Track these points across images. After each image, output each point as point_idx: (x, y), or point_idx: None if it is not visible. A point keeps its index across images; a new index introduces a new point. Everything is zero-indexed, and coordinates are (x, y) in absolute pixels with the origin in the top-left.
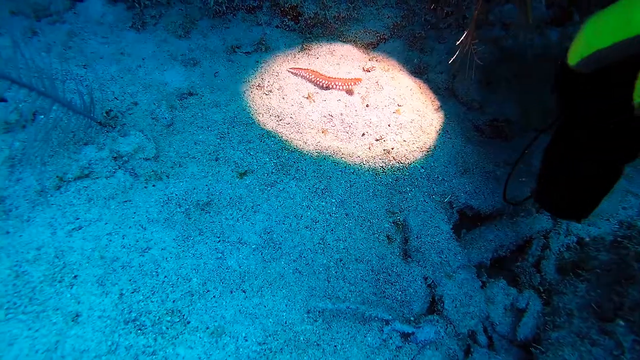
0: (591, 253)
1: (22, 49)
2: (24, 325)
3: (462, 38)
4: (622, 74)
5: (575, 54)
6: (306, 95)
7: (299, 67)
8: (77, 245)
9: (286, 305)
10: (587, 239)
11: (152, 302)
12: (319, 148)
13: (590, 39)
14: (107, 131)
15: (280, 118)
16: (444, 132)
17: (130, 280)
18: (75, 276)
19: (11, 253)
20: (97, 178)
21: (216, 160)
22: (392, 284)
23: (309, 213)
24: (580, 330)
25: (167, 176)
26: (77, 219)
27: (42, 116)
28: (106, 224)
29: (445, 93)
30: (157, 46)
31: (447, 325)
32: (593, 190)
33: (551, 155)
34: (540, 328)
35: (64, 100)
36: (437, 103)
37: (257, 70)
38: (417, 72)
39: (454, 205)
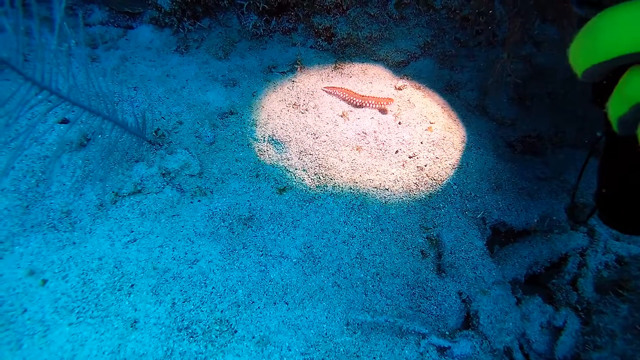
0: (633, 272)
1: (92, 78)
2: (92, 329)
3: (501, 60)
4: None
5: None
6: (341, 114)
7: (333, 86)
8: (133, 257)
9: (326, 317)
10: (628, 258)
11: (202, 311)
12: (354, 165)
13: (575, 61)
14: (156, 149)
15: (316, 136)
16: (475, 148)
17: (181, 290)
18: (132, 285)
19: (78, 262)
20: (148, 193)
21: (257, 177)
22: (427, 298)
23: (346, 228)
24: (625, 352)
25: (211, 192)
26: (132, 231)
27: (100, 136)
28: (157, 236)
29: (477, 110)
30: (199, 68)
31: (482, 340)
32: None
33: (607, 168)
34: (579, 348)
35: (122, 122)
36: (469, 120)
37: (292, 89)
38: (448, 89)
39: (487, 222)
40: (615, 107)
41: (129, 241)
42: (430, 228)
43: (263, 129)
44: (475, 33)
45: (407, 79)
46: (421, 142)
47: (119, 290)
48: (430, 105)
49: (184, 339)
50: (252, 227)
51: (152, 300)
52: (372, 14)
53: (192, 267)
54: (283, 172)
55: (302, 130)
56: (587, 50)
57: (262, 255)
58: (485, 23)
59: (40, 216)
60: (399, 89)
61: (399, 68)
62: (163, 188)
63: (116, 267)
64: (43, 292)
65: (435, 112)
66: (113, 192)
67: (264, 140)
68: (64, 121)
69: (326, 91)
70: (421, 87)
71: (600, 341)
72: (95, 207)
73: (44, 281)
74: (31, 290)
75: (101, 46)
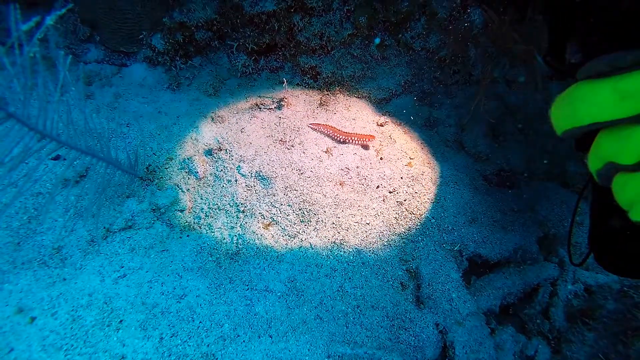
0: (599, 301)
1: (87, 116)
2: None
3: (475, 101)
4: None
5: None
6: (325, 150)
7: (318, 122)
8: (123, 292)
9: (309, 350)
10: (595, 287)
11: (189, 345)
12: (337, 201)
13: (556, 123)
14: (147, 185)
15: (301, 172)
16: (453, 183)
17: (169, 325)
18: (121, 321)
19: (68, 299)
20: (139, 229)
21: (243, 212)
22: (406, 329)
23: (328, 262)
24: None
25: (199, 227)
26: (122, 267)
27: (94, 174)
28: (147, 272)
29: (454, 145)
30: (190, 104)
31: None
32: None
33: (595, 214)
34: None
35: (115, 161)
36: (447, 155)
37: (279, 125)
38: (427, 125)
39: (463, 254)
40: (592, 163)
41: (119, 277)
42: (410, 260)
43: (250, 164)
44: (452, 72)
45: (389, 115)
46: (401, 177)
47: (107, 326)
48: (410, 141)
49: None
50: (238, 261)
51: (140, 336)
52: (355, 54)
53: (180, 302)
54: (269, 208)
55: (288, 166)
56: (567, 116)
57: (248, 289)
58: (461, 64)
59: (31, 253)
60: (381, 125)
61: (381, 105)
62: (153, 223)
63: (106, 303)
64: (31, 330)
65: (415, 148)
66: (104, 227)
67: (251, 176)
68: (57, 157)
69: (311, 128)
70: (402, 124)
71: None
72: (87, 243)
73: (33, 319)
74: (19, 329)
75: (96, 83)
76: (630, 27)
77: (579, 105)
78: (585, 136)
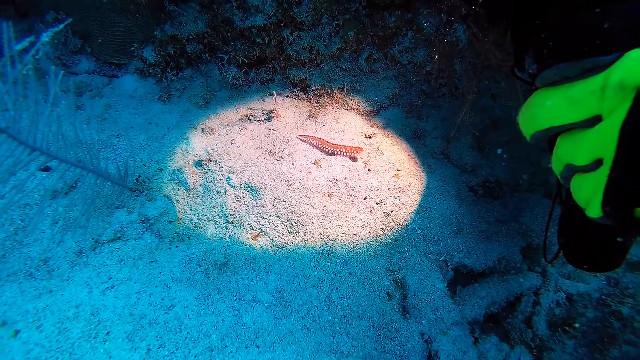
0: (579, 310)
1: (78, 128)
2: None
3: (460, 116)
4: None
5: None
6: (314, 161)
7: (307, 134)
8: (110, 303)
9: None
10: (576, 296)
11: (176, 357)
12: (325, 212)
13: (522, 128)
14: (136, 196)
15: (290, 183)
16: (439, 194)
17: (156, 336)
18: (108, 332)
19: (54, 311)
20: (127, 240)
21: (232, 223)
22: (391, 339)
23: (316, 273)
24: None
25: (188, 238)
26: (110, 278)
27: (83, 186)
28: (135, 283)
29: (441, 157)
30: (181, 116)
31: None
32: (609, 241)
33: (563, 214)
34: None
35: (105, 173)
36: (433, 167)
37: (269, 137)
38: (414, 137)
39: (449, 264)
40: (555, 166)
41: (106, 288)
42: (396, 271)
43: (240, 176)
44: (438, 86)
45: (377, 127)
46: (388, 189)
47: (94, 338)
48: (397, 152)
49: None
50: (227, 272)
51: (128, 347)
52: (344, 67)
53: (168, 313)
54: (258, 219)
55: (277, 178)
56: (528, 121)
57: (236, 300)
58: (447, 77)
59: (17, 265)
60: (369, 137)
61: (369, 117)
62: (142, 234)
63: (93, 315)
64: (14, 344)
65: (402, 160)
66: (93, 239)
67: (241, 187)
68: (46, 169)
69: (301, 139)
70: (389, 135)
71: None
72: (74, 254)
73: (16, 332)
74: (1, 342)
75: (86, 94)
76: (574, 42)
77: (537, 111)
78: (553, 140)
